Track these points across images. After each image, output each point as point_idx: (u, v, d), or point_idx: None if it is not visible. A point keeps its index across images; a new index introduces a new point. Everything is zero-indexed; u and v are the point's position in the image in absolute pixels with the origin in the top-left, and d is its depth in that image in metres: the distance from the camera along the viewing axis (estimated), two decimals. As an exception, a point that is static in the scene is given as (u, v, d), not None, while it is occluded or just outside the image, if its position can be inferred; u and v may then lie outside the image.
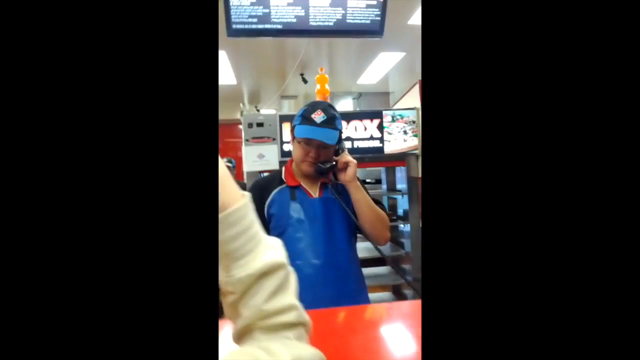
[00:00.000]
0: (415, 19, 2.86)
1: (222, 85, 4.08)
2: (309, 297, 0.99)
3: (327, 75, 1.95)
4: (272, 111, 5.07)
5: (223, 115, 4.96)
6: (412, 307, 0.94)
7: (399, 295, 2.16)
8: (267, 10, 1.69)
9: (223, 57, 3.39)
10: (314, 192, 1.06)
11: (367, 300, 1.11)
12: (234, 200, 0.36)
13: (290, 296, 0.37)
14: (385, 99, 4.76)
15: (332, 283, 1.01)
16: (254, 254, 0.36)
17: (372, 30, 1.81)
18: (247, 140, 1.75)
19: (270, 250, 0.37)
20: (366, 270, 2.05)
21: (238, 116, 4.84)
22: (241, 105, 4.94)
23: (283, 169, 1.10)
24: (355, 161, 1.01)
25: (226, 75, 3.86)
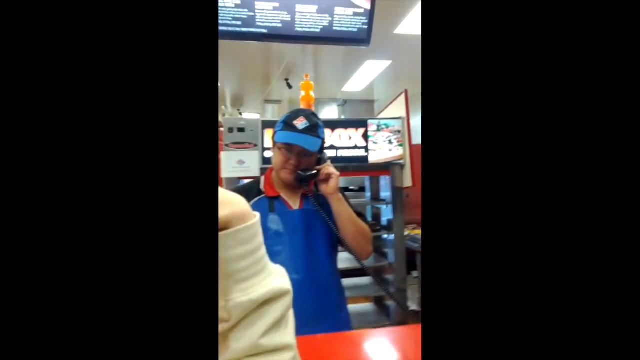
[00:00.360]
0: (402, 28, 2.88)
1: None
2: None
3: (312, 82, 1.92)
4: (255, 116, 5.00)
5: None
6: (396, 333, 0.90)
7: (381, 306, 2.13)
8: (252, 14, 1.65)
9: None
10: (294, 204, 1.01)
11: (347, 316, 1.07)
12: (244, 217, 0.32)
13: (289, 334, 0.33)
14: (370, 106, 4.78)
15: (311, 299, 0.97)
16: (259, 278, 0.32)
17: (359, 39, 1.79)
18: (226, 145, 1.69)
19: (276, 277, 0.34)
20: (349, 281, 2.02)
21: (219, 118, 4.75)
22: (223, 107, 4.85)
23: (262, 178, 1.05)
24: (337, 173, 0.97)
25: (209, 77, 3.78)
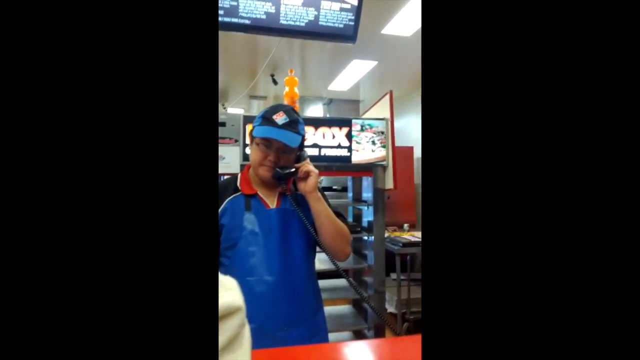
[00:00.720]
0: (389, 29, 2.87)
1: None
2: (260, 317, 0.90)
3: (297, 78, 1.87)
4: (239, 110, 4.91)
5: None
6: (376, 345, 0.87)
7: (359, 308, 2.10)
8: (234, 3, 1.59)
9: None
10: (271, 203, 0.97)
11: (323, 320, 1.04)
12: None
13: (244, 354, 0.30)
14: (355, 106, 4.77)
15: (286, 302, 0.93)
16: None
17: (345, 35, 1.76)
18: (206, 139, 1.63)
19: (226, 292, 0.31)
20: (328, 283, 1.99)
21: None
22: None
23: (239, 175, 1.01)
24: (316, 171, 0.94)
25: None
